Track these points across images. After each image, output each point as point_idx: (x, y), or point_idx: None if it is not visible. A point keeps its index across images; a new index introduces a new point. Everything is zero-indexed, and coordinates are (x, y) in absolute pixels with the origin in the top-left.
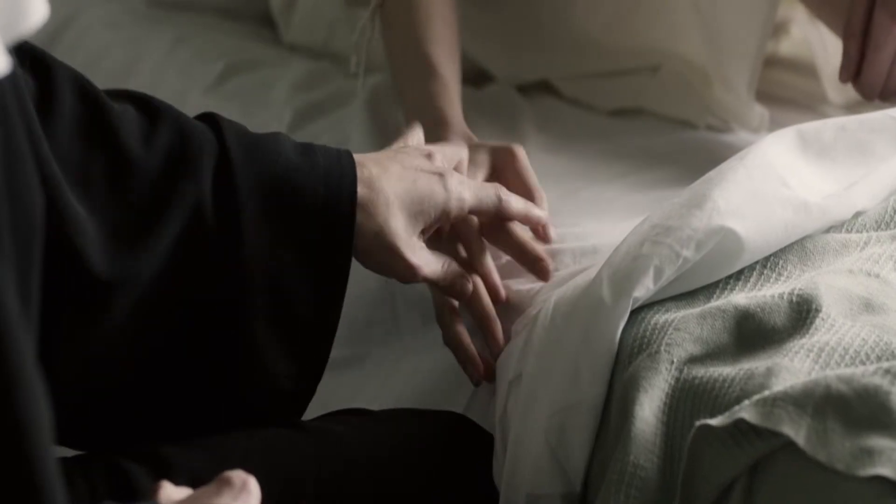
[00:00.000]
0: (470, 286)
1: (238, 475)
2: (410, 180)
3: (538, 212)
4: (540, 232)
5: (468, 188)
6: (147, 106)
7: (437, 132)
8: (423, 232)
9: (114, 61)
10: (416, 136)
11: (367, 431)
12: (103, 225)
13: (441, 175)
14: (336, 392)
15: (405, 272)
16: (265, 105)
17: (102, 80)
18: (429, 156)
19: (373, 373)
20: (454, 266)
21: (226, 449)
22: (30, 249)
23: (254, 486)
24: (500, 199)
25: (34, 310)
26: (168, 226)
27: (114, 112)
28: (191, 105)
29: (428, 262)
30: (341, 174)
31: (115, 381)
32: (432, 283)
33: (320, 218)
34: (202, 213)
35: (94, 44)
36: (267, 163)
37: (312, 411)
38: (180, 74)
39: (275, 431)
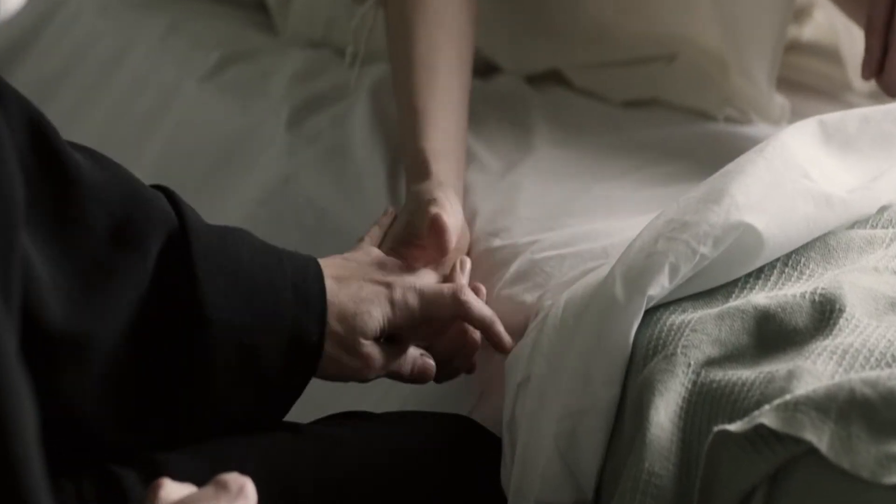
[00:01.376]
0: (433, 369)
1: (235, 478)
2: (356, 287)
3: (500, 327)
4: (496, 344)
5: (417, 297)
6: (94, 155)
7: (416, 178)
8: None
9: (104, 49)
10: (372, 236)
11: (368, 434)
12: (58, 271)
13: (388, 286)
14: (339, 396)
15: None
16: (263, 96)
17: (92, 70)
18: (381, 265)
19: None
20: (409, 356)
21: (222, 453)
22: (10, 243)
23: (251, 490)
24: (456, 303)
25: (15, 306)
26: (129, 276)
27: (67, 152)
28: (185, 96)
29: (379, 357)
30: (307, 269)
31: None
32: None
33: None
34: (161, 276)
35: (83, 30)
36: (230, 251)
37: (315, 415)
38: (174, 63)
39: (273, 435)
